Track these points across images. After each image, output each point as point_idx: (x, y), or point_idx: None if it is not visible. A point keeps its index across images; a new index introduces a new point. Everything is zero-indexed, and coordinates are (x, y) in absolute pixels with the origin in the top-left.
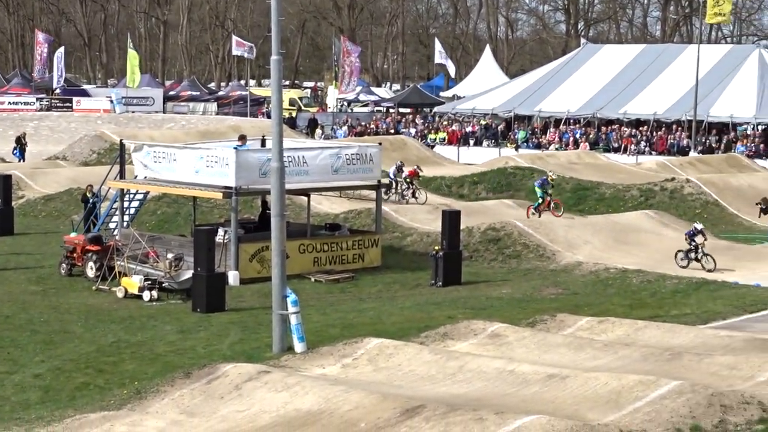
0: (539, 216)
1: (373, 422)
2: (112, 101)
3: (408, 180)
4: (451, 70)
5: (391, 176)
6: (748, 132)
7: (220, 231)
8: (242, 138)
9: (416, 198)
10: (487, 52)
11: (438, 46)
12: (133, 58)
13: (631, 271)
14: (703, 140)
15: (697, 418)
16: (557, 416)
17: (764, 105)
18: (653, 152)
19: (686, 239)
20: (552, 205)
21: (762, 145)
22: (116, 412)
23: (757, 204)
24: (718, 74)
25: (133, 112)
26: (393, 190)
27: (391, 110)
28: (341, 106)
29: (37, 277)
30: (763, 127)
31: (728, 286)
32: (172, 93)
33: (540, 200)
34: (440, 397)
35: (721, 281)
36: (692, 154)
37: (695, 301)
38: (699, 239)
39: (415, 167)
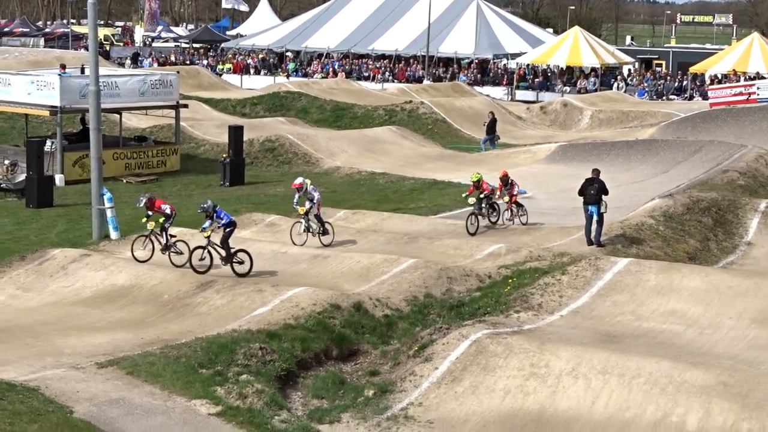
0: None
1: (174, 294)
2: None
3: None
4: (244, 7)
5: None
6: (469, 65)
7: (48, 142)
8: (63, 66)
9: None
10: None
11: None
12: None
13: (378, 174)
14: (434, 71)
15: (429, 287)
16: (321, 287)
17: (480, 44)
18: (395, 80)
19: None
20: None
21: (479, 75)
22: None
23: (484, 124)
24: (445, 19)
25: None
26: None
27: (186, 45)
28: (146, 41)
29: None
30: (479, 60)
31: (453, 185)
32: (6, 30)
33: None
34: (227, 274)
35: (448, 181)
36: (425, 82)
37: (428, 196)
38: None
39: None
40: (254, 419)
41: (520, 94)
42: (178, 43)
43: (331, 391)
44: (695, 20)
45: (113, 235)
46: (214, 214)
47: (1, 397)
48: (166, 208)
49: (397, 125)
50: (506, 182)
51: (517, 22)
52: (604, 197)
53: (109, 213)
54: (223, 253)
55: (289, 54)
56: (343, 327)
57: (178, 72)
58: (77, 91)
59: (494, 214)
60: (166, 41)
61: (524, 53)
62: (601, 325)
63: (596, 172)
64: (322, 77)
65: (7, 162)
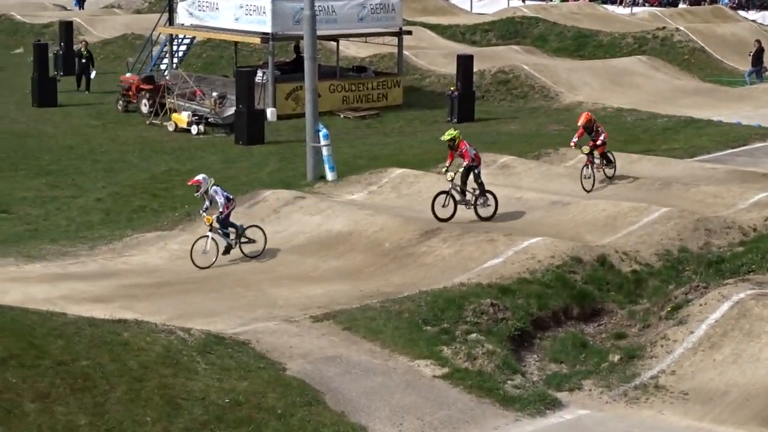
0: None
1: (396, 242)
2: None
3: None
4: None
5: None
6: None
7: (259, 72)
8: None
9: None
10: None
11: None
12: None
13: (625, 110)
14: None
15: (684, 240)
16: (560, 237)
17: None
18: (646, 4)
19: None
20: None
21: None
22: (169, 232)
23: (749, 54)
24: None
25: None
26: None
27: None
28: None
29: (96, 113)
30: None
31: (713, 123)
32: None
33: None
34: (455, 221)
35: (707, 119)
36: (681, 5)
37: (683, 137)
38: None
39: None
40: (484, 383)
41: None
42: None
43: (570, 354)
44: None
45: (329, 176)
46: None
47: (210, 350)
48: None
49: (648, 55)
50: (590, 129)
51: None
52: None
53: (324, 151)
54: None
55: None
56: (585, 283)
57: None
58: (290, 17)
59: (483, 200)
60: None
61: None
62: None
63: None
64: (563, 0)
65: (215, 94)
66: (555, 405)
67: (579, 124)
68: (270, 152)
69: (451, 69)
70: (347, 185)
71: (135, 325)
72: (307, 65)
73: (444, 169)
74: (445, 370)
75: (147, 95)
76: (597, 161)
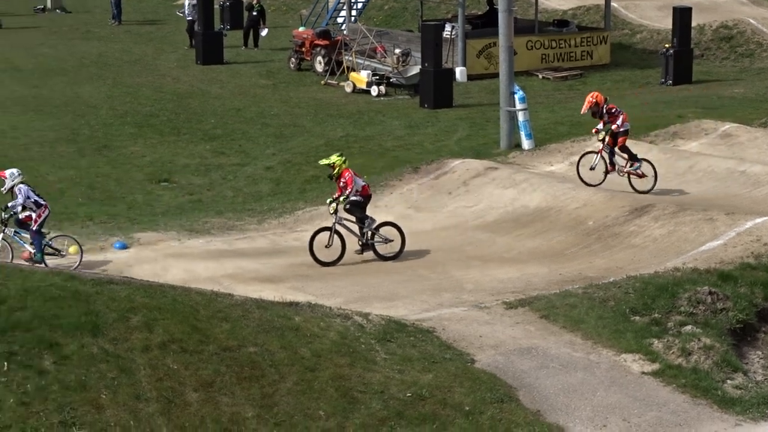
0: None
1: (601, 220)
2: None
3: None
4: None
5: None
6: None
7: (447, 26)
8: None
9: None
10: None
11: None
12: None
13: None
14: None
15: None
16: None
17: None
18: None
19: None
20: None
21: None
22: None
23: None
24: None
25: None
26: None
27: None
28: None
29: (266, 71)
30: None
31: None
32: None
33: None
34: (669, 197)
35: None
36: None
37: None
38: None
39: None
40: (700, 382)
41: None
42: None
43: None
44: None
45: (526, 144)
46: None
47: (390, 338)
48: None
49: None
50: (600, 113)
51: None
52: None
53: (520, 116)
54: None
55: None
56: None
57: None
58: None
59: (383, 237)
60: None
61: None
62: None
63: None
64: None
65: (397, 51)
66: None
67: (586, 108)
68: (459, 117)
69: (666, 23)
70: (546, 155)
71: (307, 308)
72: (501, 18)
73: (328, 201)
74: (656, 366)
75: (322, 52)
76: (620, 162)
